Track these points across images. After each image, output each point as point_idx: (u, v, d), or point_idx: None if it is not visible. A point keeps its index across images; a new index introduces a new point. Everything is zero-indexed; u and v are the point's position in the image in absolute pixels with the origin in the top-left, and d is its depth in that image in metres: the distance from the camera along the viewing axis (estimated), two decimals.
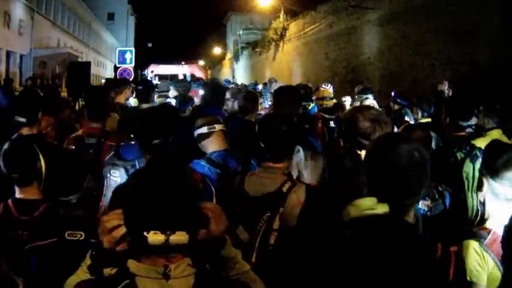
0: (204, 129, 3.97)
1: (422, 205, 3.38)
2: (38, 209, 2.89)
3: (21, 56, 25.39)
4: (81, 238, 2.67)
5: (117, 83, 7.96)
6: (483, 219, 2.70)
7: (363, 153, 2.91)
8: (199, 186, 3.09)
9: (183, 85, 10.03)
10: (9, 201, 2.93)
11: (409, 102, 7.66)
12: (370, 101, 7.69)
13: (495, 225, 2.54)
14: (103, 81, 33.14)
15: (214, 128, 3.98)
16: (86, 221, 2.78)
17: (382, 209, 2.06)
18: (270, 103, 9.03)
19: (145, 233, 1.72)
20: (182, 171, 1.91)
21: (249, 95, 6.05)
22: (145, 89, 7.66)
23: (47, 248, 2.63)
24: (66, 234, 2.67)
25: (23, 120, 4.43)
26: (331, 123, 6.07)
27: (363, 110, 3.21)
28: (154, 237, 1.71)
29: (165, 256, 1.78)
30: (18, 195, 2.97)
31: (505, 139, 4.77)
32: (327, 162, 3.89)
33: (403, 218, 2.11)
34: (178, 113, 5.69)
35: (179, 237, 1.74)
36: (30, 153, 3.00)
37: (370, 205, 2.07)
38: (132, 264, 1.80)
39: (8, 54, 23.93)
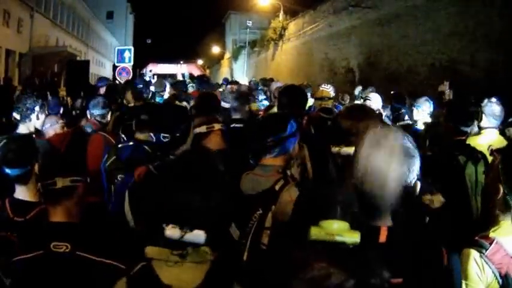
0: (202, 129, 3.95)
1: (424, 199, 3.26)
2: (32, 211, 2.86)
3: (20, 55, 25.27)
4: (66, 250, 2.37)
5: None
6: (488, 225, 2.60)
7: (348, 149, 2.90)
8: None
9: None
10: (7, 200, 2.93)
11: (404, 105, 7.59)
12: (374, 97, 7.62)
13: (499, 235, 2.45)
14: None
15: (213, 127, 3.98)
16: (74, 231, 2.51)
17: (352, 237, 1.84)
18: (266, 102, 9.00)
19: (164, 225, 1.78)
20: (213, 170, 1.95)
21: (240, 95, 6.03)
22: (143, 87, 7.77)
23: (32, 262, 2.36)
24: (51, 246, 2.37)
25: (17, 117, 4.49)
26: (329, 123, 5.99)
27: (349, 109, 3.23)
28: (171, 231, 1.77)
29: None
30: (16, 195, 2.98)
31: (500, 139, 4.85)
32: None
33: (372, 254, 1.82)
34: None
35: (195, 236, 1.79)
36: (32, 149, 3.10)
37: (338, 230, 1.86)
38: (149, 250, 1.85)
39: (7, 52, 23.83)
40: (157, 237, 1.82)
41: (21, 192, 3.00)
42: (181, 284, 1.80)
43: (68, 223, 2.50)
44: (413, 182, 1.96)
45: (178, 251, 1.81)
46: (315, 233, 1.84)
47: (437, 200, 3.21)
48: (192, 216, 1.80)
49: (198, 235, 1.79)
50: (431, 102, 6.93)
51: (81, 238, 2.44)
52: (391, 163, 1.93)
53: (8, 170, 2.98)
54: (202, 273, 1.83)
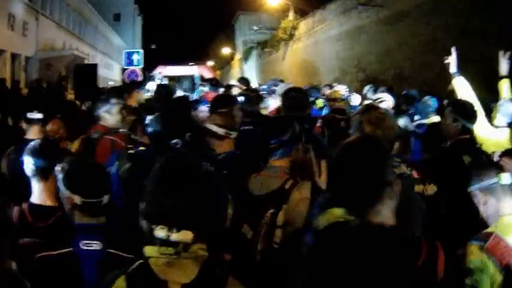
0: (220, 130, 3.97)
1: (418, 189, 3.40)
2: (53, 216, 2.97)
3: (26, 58, 25.17)
4: (98, 248, 2.55)
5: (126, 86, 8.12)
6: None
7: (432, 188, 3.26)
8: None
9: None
10: (24, 206, 3.02)
11: (413, 104, 7.57)
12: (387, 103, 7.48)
13: (499, 230, 2.59)
14: (110, 83, 33.20)
15: (230, 134, 4.03)
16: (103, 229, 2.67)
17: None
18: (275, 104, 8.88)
19: (153, 226, 1.86)
20: (198, 171, 1.97)
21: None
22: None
23: (59, 258, 2.50)
24: (80, 244, 2.54)
25: (39, 116, 4.56)
26: (342, 124, 6.06)
27: (368, 112, 3.32)
28: (160, 231, 1.85)
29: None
30: (33, 199, 3.08)
31: None
32: None
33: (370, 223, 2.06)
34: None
35: (183, 236, 1.84)
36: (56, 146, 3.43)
37: (341, 214, 2.09)
38: (146, 249, 1.94)
39: (13, 56, 23.73)
40: (151, 237, 1.91)
41: (40, 194, 3.08)
42: (176, 278, 1.88)
43: (98, 224, 2.65)
44: (392, 178, 2.01)
45: (171, 249, 1.87)
46: (326, 218, 2.11)
47: (430, 189, 3.34)
48: (179, 218, 1.85)
49: (185, 235, 1.84)
50: (434, 99, 7.36)
51: (111, 237, 2.62)
52: (364, 162, 2.00)
53: (31, 160, 3.11)
54: (197, 267, 1.90)
